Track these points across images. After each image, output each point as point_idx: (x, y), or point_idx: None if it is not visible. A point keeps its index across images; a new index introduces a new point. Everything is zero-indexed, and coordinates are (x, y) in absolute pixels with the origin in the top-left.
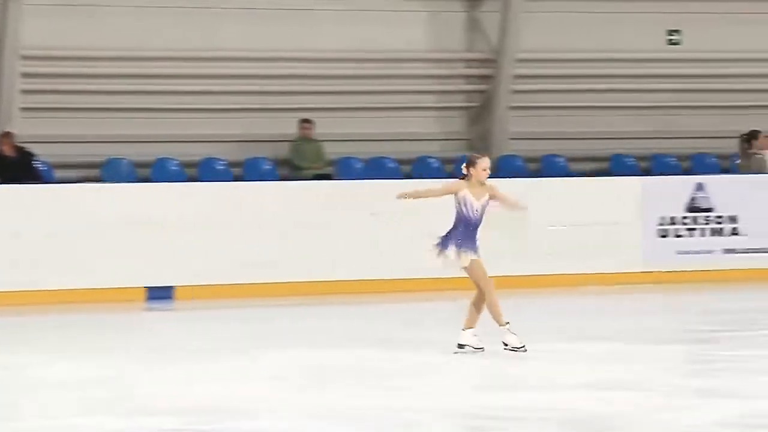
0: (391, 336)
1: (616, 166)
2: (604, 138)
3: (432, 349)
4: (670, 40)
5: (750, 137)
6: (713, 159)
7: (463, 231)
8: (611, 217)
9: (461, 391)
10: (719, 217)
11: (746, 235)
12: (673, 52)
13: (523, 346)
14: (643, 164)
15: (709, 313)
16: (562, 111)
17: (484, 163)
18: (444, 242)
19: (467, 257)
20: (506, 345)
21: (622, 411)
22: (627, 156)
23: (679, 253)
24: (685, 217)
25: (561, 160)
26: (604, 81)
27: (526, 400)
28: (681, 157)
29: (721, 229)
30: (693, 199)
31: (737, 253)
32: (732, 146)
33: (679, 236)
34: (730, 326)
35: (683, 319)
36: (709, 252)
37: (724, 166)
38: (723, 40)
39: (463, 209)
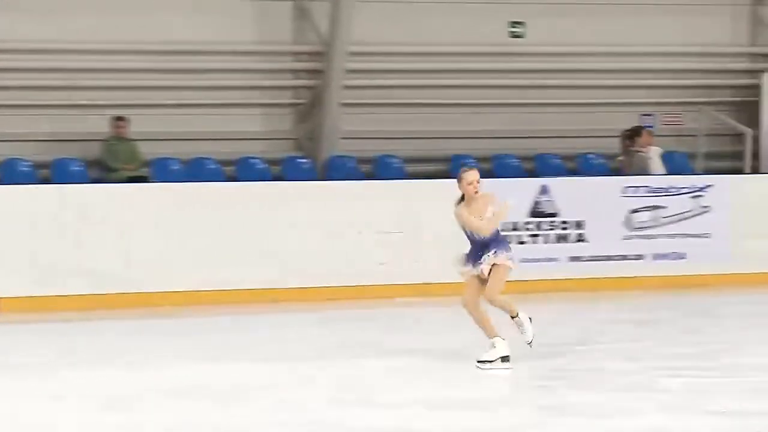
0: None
1: (455, 168)
2: (442, 137)
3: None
4: (513, 32)
5: (633, 134)
6: (558, 160)
7: (472, 249)
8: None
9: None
10: (564, 222)
11: (591, 241)
12: (516, 45)
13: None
14: (484, 165)
15: (555, 325)
16: (397, 108)
17: (469, 176)
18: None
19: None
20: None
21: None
22: (467, 157)
23: (523, 261)
24: (528, 223)
25: (396, 161)
26: (442, 76)
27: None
28: (524, 158)
29: (566, 235)
30: (537, 203)
31: (583, 261)
32: (578, 146)
33: (522, 243)
34: (576, 339)
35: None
36: (553, 260)
37: (570, 167)
38: (568, 33)
39: (467, 231)
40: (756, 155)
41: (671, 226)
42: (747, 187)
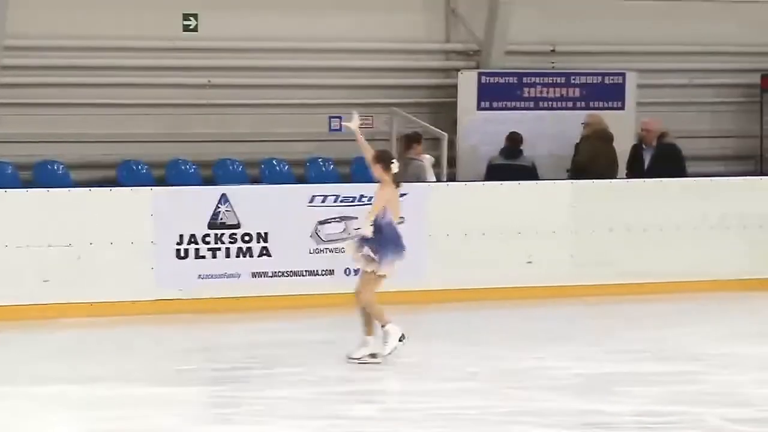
0: None
1: (125, 175)
2: (110, 141)
3: None
4: (187, 25)
5: (411, 141)
6: (239, 166)
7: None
8: (126, 236)
9: None
10: (247, 234)
11: (276, 255)
12: (191, 40)
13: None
14: (157, 172)
15: (233, 349)
16: (58, 109)
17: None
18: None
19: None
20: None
21: None
22: (138, 162)
23: (201, 277)
24: (206, 235)
25: (59, 167)
26: (109, 74)
27: None
28: (202, 164)
29: (249, 248)
30: (216, 213)
31: (268, 276)
32: (261, 151)
33: (200, 257)
34: (253, 363)
35: (203, 356)
36: (235, 276)
37: (253, 174)
38: (249, 27)
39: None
40: (452, 162)
41: None
42: (443, 195)
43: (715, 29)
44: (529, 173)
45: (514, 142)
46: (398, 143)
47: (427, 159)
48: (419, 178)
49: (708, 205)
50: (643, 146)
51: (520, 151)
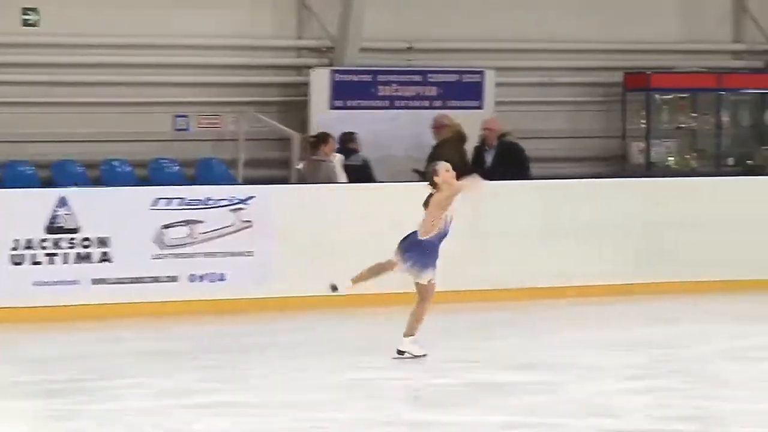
0: None
1: None
2: None
3: None
4: (26, 20)
5: (319, 141)
6: (78, 167)
7: (434, 251)
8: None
9: None
10: (86, 239)
11: (117, 261)
12: (30, 35)
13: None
14: None
15: (70, 360)
16: None
17: (445, 165)
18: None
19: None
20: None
21: None
22: None
23: (37, 284)
24: (44, 240)
25: None
26: None
27: None
28: (38, 165)
29: (88, 254)
30: (54, 217)
31: (108, 283)
32: (102, 151)
33: (37, 263)
34: (90, 375)
35: (38, 367)
36: (74, 282)
37: (93, 176)
38: (90, 23)
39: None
40: None
41: (209, 243)
42: (293, 198)
43: (577, 26)
44: (361, 171)
45: (343, 142)
46: (304, 144)
47: (338, 159)
48: (330, 180)
49: (570, 208)
50: (486, 147)
51: (354, 151)
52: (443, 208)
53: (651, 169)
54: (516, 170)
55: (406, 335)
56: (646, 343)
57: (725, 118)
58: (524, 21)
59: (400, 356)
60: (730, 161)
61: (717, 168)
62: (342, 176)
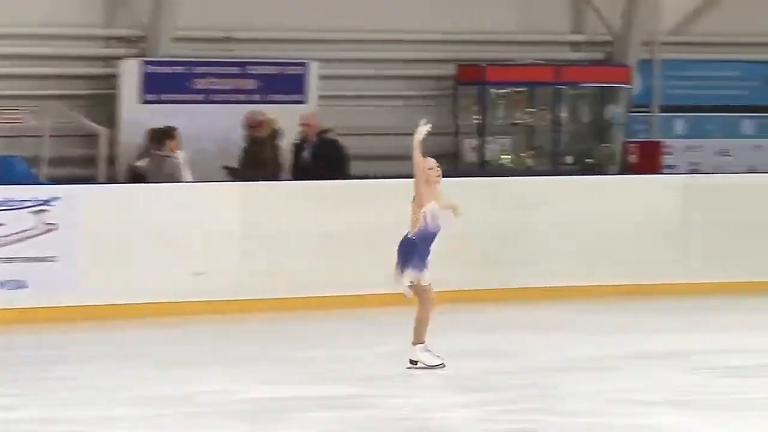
0: None
1: None
2: None
3: None
4: None
5: (164, 136)
6: None
7: (422, 250)
8: None
9: None
10: None
11: None
12: None
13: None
14: None
15: None
16: None
17: (429, 162)
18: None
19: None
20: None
21: None
22: None
23: None
24: None
25: None
26: None
27: None
28: None
29: None
30: None
31: None
32: None
33: None
34: None
35: None
36: None
37: None
38: None
39: (428, 229)
40: (112, 160)
41: (9, 247)
42: (101, 199)
43: (406, 15)
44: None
45: (149, 139)
46: (147, 138)
47: (182, 155)
48: (174, 177)
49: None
50: (304, 144)
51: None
52: (418, 205)
53: (485, 168)
54: (334, 168)
55: (414, 344)
56: (476, 353)
57: (564, 113)
58: (351, 10)
59: (413, 366)
60: (569, 159)
61: (554, 166)
62: (187, 173)
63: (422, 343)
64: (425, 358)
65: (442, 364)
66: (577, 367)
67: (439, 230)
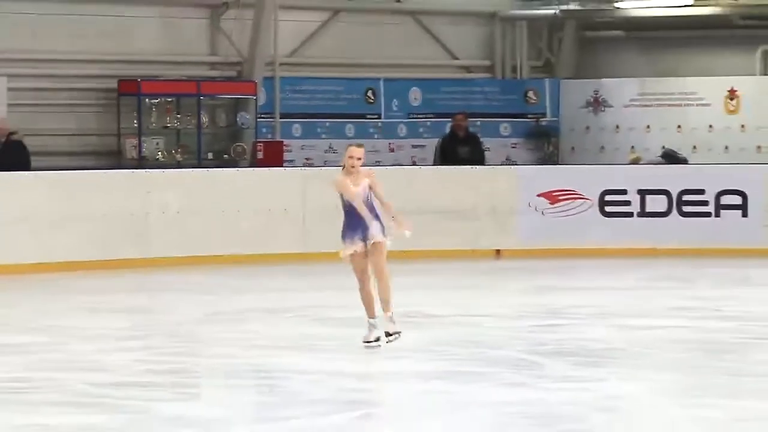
0: None
1: None
2: None
3: None
4: None
5: None
6: None
7: (347, 221)
8: None
9: None
10: None
11: None
12: None
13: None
14: None
15: None
16: None
17: (351, 151)
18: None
19: (345, 250)
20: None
21: None
22: None
23: None
24: None
25: None
26: None
27: None
28: None
29: None
30: None
31: None
32: None
33: None
34: None
35: None
36: None
37: None
38: None
39: (345, 203)
40: None
41: None
42: None
43: (77, 40)
44: None
45: None
46: None
47: None
48: None
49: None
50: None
51: None
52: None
53: (142, 162)
54: (21, 165)
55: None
56: (131, 309)
57: (205, 119)
58: (32, 35)
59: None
60: (210, 155)
61: (199, 161)
62: None
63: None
64: (390, 326)
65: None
66: (215, 320)
67: (347, 205)
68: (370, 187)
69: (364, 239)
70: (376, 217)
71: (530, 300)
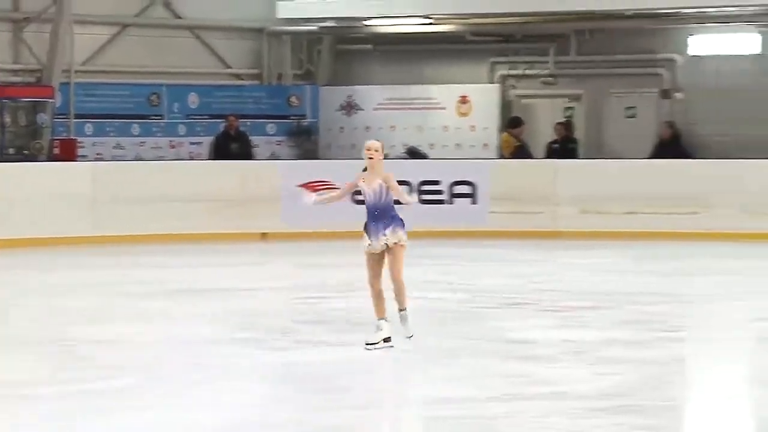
0: None
1: None
2: None
3: None
4: None
5: None
6: None
7: (368, 219)
8: None
9: None
10: None
11: None
12: None
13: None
14: None
15: None
16: None
17: (366, 145)
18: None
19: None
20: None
21: None
22: None
23: None
24: None
25: None
26: None
27: None
28: None
29: None
30: None
31: None
32: None
33: None
34: None
35: None
36: None
37: None
38: None
39: (368, 203)
40: None
41: None
42: None
43: None
44: None
45: None
46: None
47: None
48: None
49: None
50: None
51: None
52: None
53: None
54: None
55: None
56: None
57: (8, 119)
58: None
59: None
60: (12, 151)
61: (2, 156)
62: None
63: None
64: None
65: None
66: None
67: (369, 205)
68: (387, 186)
69: (374, 238)
70: (393, 218)
71: (293, 275)
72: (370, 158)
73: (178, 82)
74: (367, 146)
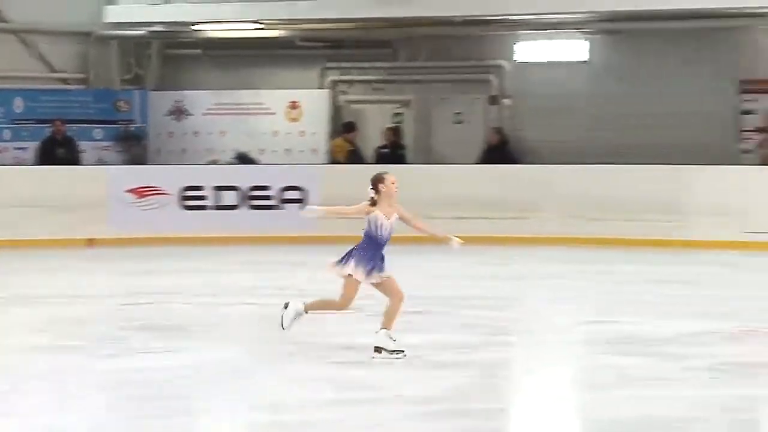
0: None
1: None
2: None
3: None
4: None
5: None
6: None
7: (371, 250)
8: None
9: None
10: None
11: None
12: None
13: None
14: None
15: None
16: None
17: (393, 177)
18: (347, 257)
19: (344, 268)
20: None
21: None
22: None
23: None
24: None
25: None
26: None
27: None
28: None
29: None
30: None
31: None
32: None
33: None
34: None
35: None
36: None
37: None
38: None
39: (373, 229)
40: None
41: None
42: None
43: None
44: None
45: None
46: None
47: None
48: None
49: None
50: None
51: None
52: (367, 212)
53: None
54: None
55: (381, 329)
56: None
57: None
58: None
59: (377, 354)
60: None
61: None
62: None
63: (388, 329)
64: (387, 342)
65: (402, 351)
66: None
67: (383, 238)
68: (401, 218)
69: (375, 271)
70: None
71: (120, 281)
72: (396, 190)
73: (3, 87)
74: (393, 180)
